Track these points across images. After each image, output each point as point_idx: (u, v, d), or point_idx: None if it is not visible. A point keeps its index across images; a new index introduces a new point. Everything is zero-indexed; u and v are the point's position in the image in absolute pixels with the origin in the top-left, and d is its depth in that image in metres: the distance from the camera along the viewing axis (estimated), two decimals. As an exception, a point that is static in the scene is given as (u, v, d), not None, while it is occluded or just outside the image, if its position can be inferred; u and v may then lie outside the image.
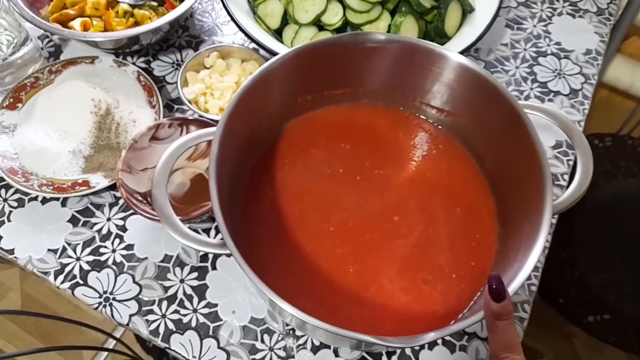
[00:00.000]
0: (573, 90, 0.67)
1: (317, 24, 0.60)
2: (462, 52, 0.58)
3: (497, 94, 0.46)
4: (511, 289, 0.37)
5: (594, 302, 0.87)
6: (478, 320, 0.37)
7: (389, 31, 0.59)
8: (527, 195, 0.46)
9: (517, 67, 0.69)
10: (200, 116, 0.58)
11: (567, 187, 0.61)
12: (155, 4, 0.66)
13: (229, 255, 0.53)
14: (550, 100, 0.66)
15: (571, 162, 0.62)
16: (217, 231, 0.56)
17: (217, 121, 0.56)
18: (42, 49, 0.68)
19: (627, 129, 1.10)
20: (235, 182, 0.50)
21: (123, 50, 0.66)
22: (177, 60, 0.67)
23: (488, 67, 0.68)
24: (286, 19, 0.61)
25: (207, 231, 0.56)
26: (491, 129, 0.50)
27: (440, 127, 0.55)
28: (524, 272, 0.39)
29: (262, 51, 0.61)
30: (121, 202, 0.57)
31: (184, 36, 0.69)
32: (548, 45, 0.71)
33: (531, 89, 0.67)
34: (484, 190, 0.52)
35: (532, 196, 0.44)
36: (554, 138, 0.63)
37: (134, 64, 0.66)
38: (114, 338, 0.88)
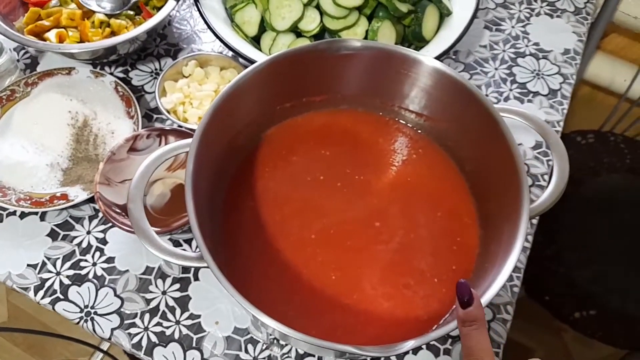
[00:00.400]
0: (552, 90, 0.68)
1: (295, 30, 0.60)
2: (440, 56, 0.58)
3: (473, 98, 0.46)
4: (489, 293, 0.38)
5: (579, 298, 0.88)
6: (456, 327, 0.37)
7: (366, 37, 0.59)
8: (506, 198, 0.46)
9: (496, 69, 0.69)
10: (180, 126, 0.58)
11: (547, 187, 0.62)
12: (132, 13, 0.66)
13: (199, 269, 0.54)
14: (529, 101, 0.67)
15: (551, 163, 0.62)
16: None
17: (194, 131, 0.56)
18: (18, 60, 0.67)
19: (609, 125, 1.11)
20: (214, 191, 0.50)
21: (100, 61, 0.65)
22: (156, 69, 0.67)
23: (467, 69, 0.69)
24: (264, 27, 0.61)
25: (188, 241, 0.56)
26: (470, 132, 0.51)
27: (419, 131, 0.55)
28: (502, 275, 0.39)
29: (240, 59, 0.61)
30: (101, 214, 0.57)
31: (162, 44, 0.69)
32: (527, 46, 0.72)
33: (510, 90, 0.68)
34: (465, 194, 0.52)
35: (510, 199, 0.44)
36: (534, 139, 0.64)
37: (111, 74, 0.65)
38: (101, 351, 0.88)
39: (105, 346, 1.13)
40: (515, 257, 0.39)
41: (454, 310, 0.47)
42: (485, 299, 0.37)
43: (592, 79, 1.07)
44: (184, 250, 0.54)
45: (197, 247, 0.56)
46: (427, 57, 0.47)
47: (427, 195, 0.53)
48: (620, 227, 0.90)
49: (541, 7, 0.76)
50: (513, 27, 0.73)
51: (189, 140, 0.44)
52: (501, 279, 0.39)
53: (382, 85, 0.53)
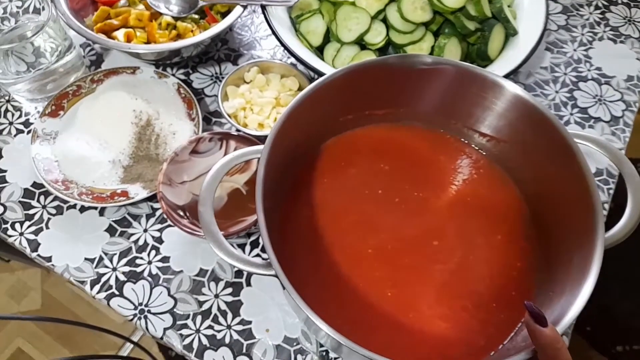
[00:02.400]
0: (614, 117, 0.66)
1: (360, 42, 0.60)
2: (505, 76, 0.58)
3: (548, 123, 0.45)
4: (560, 327, 0.37)
5: (622, 331, 0.85)
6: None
7: (432, 52, 0.59)
8: (573, 226, 0.45)
9: (556, 92, 0.68)
10: (238, 130, 0.58)
11: (607, 216, 0.60)
12: (197, 16, 0.67)
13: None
14: (590, 126, 0.65)
15: (612, 191, 0.61)
16: (252, 247, 0.56)
17: (256, 136, 0.57)
18: (84, 57, 0.69)
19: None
20: (273, 200, 0.50)
21: (164, 62, 0.67)
22: (216, 73, 0.68)
23: (527, 91, 0.67)
24: (328, 37, 0.61)
25: (242, 246, 0.56)
26: (536, 156, 0.50)
27: (482, 151, 0.54)
28: (574, 309, 0.38)
29: (300, 67, 0.61)
30: (158, 213, 0.58)
31: (223, 49, 0.70)
32: (588, 70, 0.70)
33: (571, 114, 0.66)
34: (526, 217, 0.52)
35: (579, 227, 0.43)
36: (595, 165, 0.62)
37: (173, 75, 0.67)
38: (133, 342, 0.88)
39: (133, 342, 1.14)
40: (590, 287, 0.38)
41: (514, 336, 0.46)
42: (560, 327, 0.36)
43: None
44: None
45: (250, 252, 0.56)
46: (508, 82, 0.46)
47: (486, 216, 0.52)
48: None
49: (604, 31, 0.74)
50: (575, 50, 0.72)
51: (260, 146, 0.45)
52: (574, 311, 0.38)
53: (449, 104, 0.52)
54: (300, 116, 0.48)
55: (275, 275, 0.39)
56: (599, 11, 0.76)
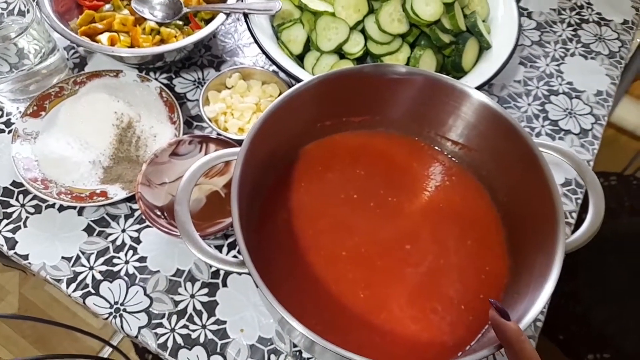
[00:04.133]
0: (583, 130, 0.69)
1: (339, 52, 0.62)
2: (477, 88, 0.60)
3: (515, 132, 0.47)
4: (522, 324, 0.38)
5: (595, 338, 0.87)
6: (487, 354, 0.37)
7: (408, 63, 0.61)
8: (539, 231, 0.47)
9: (529, 104, 0.70)
10: (219, 134, 0.60)
11: (575, 225, 0.63)
12: (181, 23, 0.68)
13: (240, 274, 0.54)
14: (560, 138, 0.68)
15: (579, 201, 0.63)
16: (229, 248, 0.57)
17: (236, 140, 0.58)
18: (67, 59, 0.69)
19: (632, 168, 1.12)
20: (251, 202, 0.51)
21: (147, 66, 0.68)
22: (199, 79, 0.69)
23: (501, 103, 0.70)
24: (308, 46, 0.63)
25: (219, 248, 0.57)
26: (506, 164, 0.52)
27: (454, 158, 0.56)
28: (535, 308, 0.40)
29: (282, 74, 0.63)
30: (137, 214, 0.58)
31: (207, 55, 0.71)
32: (560, 84, 0.73)
33: (542, 126, 0.69)
34: (496, 223, 0.53)
35: (544, 233, 0.45)
36: (563, 176, 0.65)
37: (156, 79, 0.68)
38: (111, 346, 0.88)
39: (112, 345, 1.13)
40: (550, 288, 0.40)
41: (482, 337, 0.47)
42: (522, 325, 0.38)
43: (617, 121, 1.08)
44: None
45: (227, 253, 0.57)
46: (475, 90, 0.48)
47: (458, 222, 0.54)
48: (639, 269, 0.90)
49: (576, 47, 0.77)
50: (547, 65, 0.75)
51: (237, 149, 0.46)
52: (533, 312, 0.39)
53: (422, 112, 0.54)
54: (278, 120, 0.50)
55: (249, 273, 0.40)
56: (571, 28, 0.79)
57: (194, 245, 0.41)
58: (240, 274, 0.54)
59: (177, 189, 0.43)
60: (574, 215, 0.62)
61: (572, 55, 0.76)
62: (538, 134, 0.68)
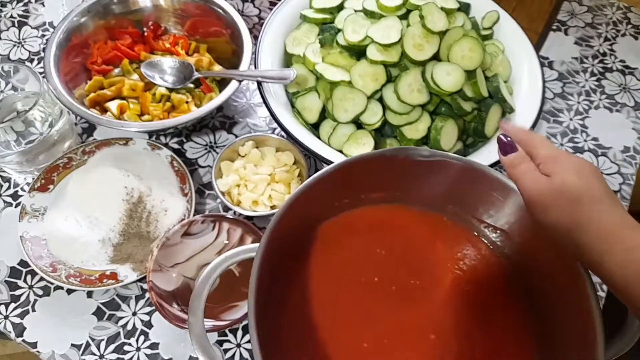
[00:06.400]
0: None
1: (356, 121, 0.59)
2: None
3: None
4: None
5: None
6: None
7: (428, 133, 0.58)
8: (574, 329, 0.44)
9: (553, 164, 0.67)
10: (226, 207, 0.57)
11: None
12: (192, 85, 0.66)
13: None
14: (588, 201, 0.65)
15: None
16: (244, 331, 0.55)
17: (249, 217, 0.56)
18: (75, 124, 0.68)
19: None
20: (267, 291, 0.49)
21: (157, 132, 0.66)
22: (211, 142, 0.67)
23: (524, 163, 0.67)
24: (324, 114, 0.61)
25: (234, 331, 0.55)
26: (543, 264, 0.49)
27: (482, 238, 0.53)
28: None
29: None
30: (148, 295, 0.56)
31: (218, 117, 0.69)
32: (585, 140, 0.70)
33: (568, 188, 0.66)
34: (526, 310, 0.50)
35: (580, 331, 0.42)
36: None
37: (167, 144, 0.66)
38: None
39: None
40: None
41: None
42: None
43: None
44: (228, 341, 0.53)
45: (243, 336, 0.55)
46: (508, 180, 0.45)
47: (484, 308, 0.51)
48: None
49: (600, 99, 0.74)
50: (571, 119, 0.72)
51: (255, 246, 0.44)
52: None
53: (450, 191, 0.52)
54: (296, 209, 0.47)
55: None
56: (594, 78, 0.76)
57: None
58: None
59: (191, 297, 0.41)
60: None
61: (597, 108, 0.73)
62: (564, 197, 0.65)
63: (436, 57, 0.58)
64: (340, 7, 0.65)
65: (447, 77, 0.56)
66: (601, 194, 0.36)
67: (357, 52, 0.60)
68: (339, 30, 0.61)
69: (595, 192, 0.36)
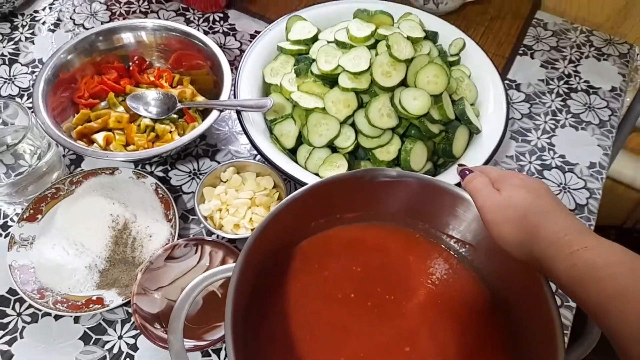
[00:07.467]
0: (579, 205, 0.69)
1: (330, 145, 0.62)
2: (470, 174, 0.60)
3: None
4: None
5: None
6: None
7: (399, 155, 0.61)
8: (539, 341, 0.46)
9: (523, 181, 0.71)
10: (210, 232, 0.60)
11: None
12: (175, 116, 0.69)
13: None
14: (556, 215, 0.68)
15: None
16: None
17: (229, 240, 0.58)
18: (64, 156, 0.70)
19: (631, 221, 1.11)
20: (247, 310, 0.51)
21: (142, 162, 0.68)
22: (194, 170, 0.70)
23: (495, 181, 0.70)
24: (300, 139, 0.64)
25: (217, 352, 0.56)
26: (505, 265, 0.51)
27: (452, 252, 0.56)
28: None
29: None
30: (133, 318, 0.58)
31: (202, 145, 0.72)
32: (552, 158, 0.74)
33: (537, 203, 0.69)
34: (497, 320, 0.53)
35: (543, 344, 0.45)
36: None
37: (152, 172, 0.68)
38: None
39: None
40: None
41: None
42: None
43: (613, 175, 1.08)
44: (213, 363, 0.54)
45: (225, 358, 0.56)
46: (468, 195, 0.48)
47: (457, 319, 0.53)
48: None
49: (566, 118, 0.78)
50: (539, 138, 0.76)
51: (231, 266, 0.46)
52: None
53: (418, 209, 0.54)
54: (272, 229, 0.50)
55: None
56: (560, 98, 0.80)
57: (189, 379, 0.40)
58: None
59: (170, 316, 0.43)
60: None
61: (563, 126, 0.77)
62: (533, 212, 0.68)
63: (404, 83, 0.62)
64: (314, 39, 0.69)
65: (414, 102, 0.59)
66: (548, 204, 0.39)
67: (330, 80, 0.63)
68: (313, 60, 0.65)
69: (542, 203, 0.39)
